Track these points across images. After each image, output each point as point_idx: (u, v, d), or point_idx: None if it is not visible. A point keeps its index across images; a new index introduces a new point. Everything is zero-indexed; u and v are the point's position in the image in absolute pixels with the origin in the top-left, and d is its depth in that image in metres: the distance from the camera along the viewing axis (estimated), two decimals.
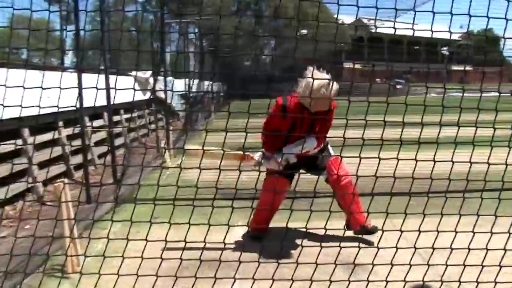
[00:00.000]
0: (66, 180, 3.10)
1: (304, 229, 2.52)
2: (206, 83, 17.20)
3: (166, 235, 2.19)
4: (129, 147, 8.88)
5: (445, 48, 62.81)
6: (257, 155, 4.00)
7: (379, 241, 2.42)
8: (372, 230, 3.86)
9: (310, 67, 3.74)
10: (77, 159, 7.24)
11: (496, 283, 2.30)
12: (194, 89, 13.38)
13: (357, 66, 51.04)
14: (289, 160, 3.97)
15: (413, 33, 2.48)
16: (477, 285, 2.37)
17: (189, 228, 2.27)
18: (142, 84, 10.80)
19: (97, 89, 2.25)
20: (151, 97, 10.92)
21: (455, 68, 55.75)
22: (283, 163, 3.95)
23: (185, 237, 2.20)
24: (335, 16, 2.54)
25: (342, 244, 2.38)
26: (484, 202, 2.34)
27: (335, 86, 3.76)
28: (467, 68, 54.39)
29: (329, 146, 4.25)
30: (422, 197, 2.48)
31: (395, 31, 2.58)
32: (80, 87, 4.99)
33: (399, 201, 2.37)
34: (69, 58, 18.34)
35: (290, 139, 4.00)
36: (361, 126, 2.08)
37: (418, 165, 2.17)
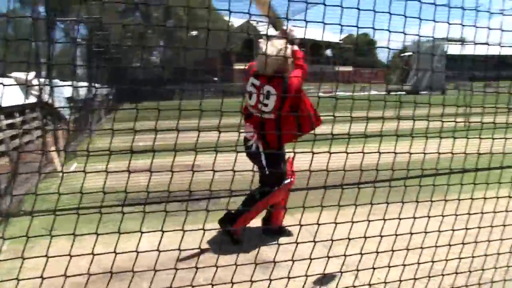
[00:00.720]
0: None
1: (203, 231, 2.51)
2: (96, 85, 16.46)
3: (72, 247, 2.03)
4: (14, 155, 8.20)
5: (328, 50, 66.36)
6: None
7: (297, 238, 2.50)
8: (288, 232, 3.97)
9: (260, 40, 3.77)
10: None
11: (390, 267, 2.48)
12: (82, 91, 12.74)
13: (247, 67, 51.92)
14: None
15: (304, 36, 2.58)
16: (385, 270, 2.54)
17: (97, 238, 2.13)
18: (23, 85, 10.01)
19: None
20: (37, 100, 10.18)
21: (342, 69, 59.01)
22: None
23: (93, 249, 2.05)
24: (226, 18, 2.57)
25: (254, 243, 2.42)
26: (376, 192, 2.53)
27: (288, 49, 3.64)
28: (350, 69, 57.90)
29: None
30: (319, 190, 2.60)
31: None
32: None
33: (300, 195, 2.46)
34: None
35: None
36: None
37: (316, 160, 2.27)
